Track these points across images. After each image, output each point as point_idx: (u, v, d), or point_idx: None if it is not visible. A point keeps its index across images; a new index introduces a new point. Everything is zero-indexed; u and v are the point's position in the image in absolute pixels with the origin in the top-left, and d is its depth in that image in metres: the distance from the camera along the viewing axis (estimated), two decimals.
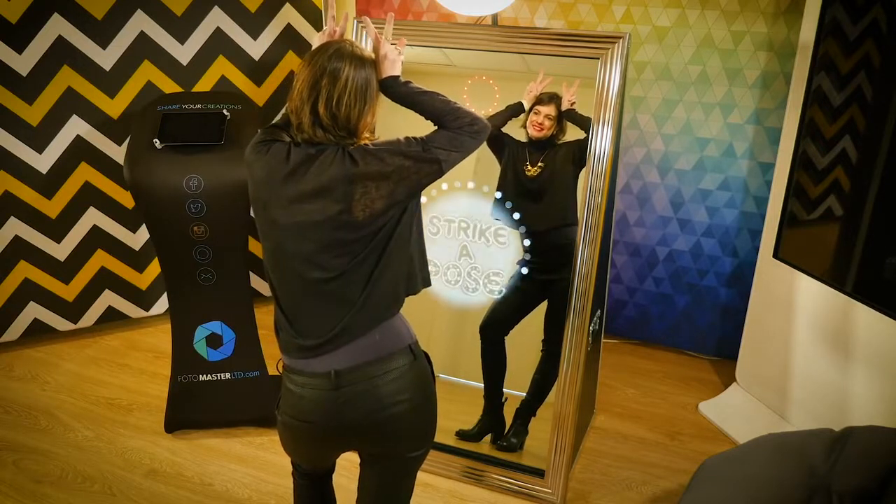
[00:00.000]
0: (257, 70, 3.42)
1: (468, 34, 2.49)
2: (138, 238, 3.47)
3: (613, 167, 2.40)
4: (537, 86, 2.42)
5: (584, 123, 2.37)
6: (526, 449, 2.56)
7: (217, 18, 3.26)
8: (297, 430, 1.66)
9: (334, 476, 1.95)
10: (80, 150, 3.23)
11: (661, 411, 3.02)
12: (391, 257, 1.58)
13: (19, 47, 3.00)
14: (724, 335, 3.29)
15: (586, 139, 2.35)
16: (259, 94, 3.45)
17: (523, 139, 2.46)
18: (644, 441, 2.84)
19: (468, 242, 2.56)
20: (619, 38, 2.29)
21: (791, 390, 2.77)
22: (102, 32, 3.11)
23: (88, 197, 3.31)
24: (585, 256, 2.36)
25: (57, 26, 3.02)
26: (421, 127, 1.65)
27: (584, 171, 2.36)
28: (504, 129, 2.47)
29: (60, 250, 3.32)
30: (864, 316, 2.41)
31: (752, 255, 3.07)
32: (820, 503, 1.62)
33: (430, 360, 1.72)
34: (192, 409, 2.79)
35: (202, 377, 2.76)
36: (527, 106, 2.44)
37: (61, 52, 3.06)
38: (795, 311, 2.70)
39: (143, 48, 3.19)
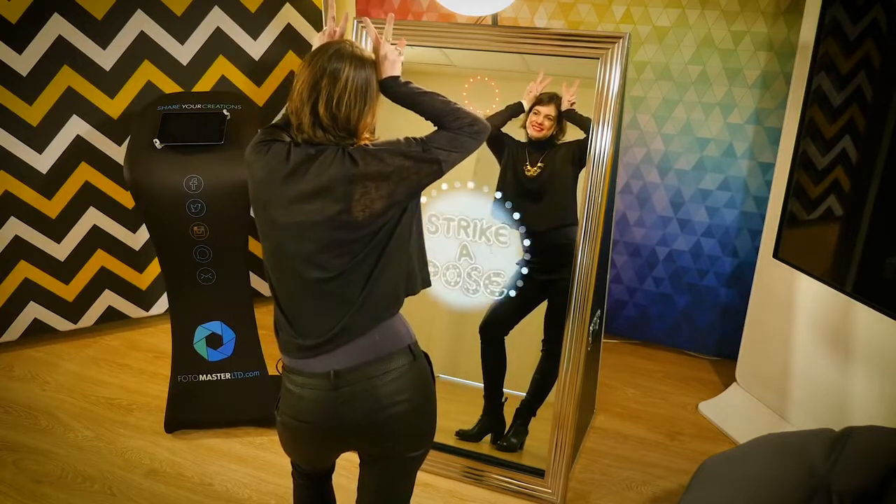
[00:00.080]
0: (257, 70, 3.42)
1: (468, 34, 2.49)
2: (138, 238, 3.47)
3: (613, 167, 2.40)
4: (537, 86, 2.42)
5: (583, 124, 2.37)
6: (526, 449, 2.56)
7: (217, 18, 3.26)
8: (296, 430, 1.66)
9: (334, 476, 1.95)
10: (80, 150, 3.23)
11: (661, 411, 3.02)
12: (391, 257, 1.58)
13: (19, 47, 3.00)
14: (724, 335, 3.29)
15: (586, 139, 2.35)
16: (259, 94, 3.45)
17: (523, 139, 2.46)
18: (644, 441, 2.84)
19: (468, 242, 2.56)
20: (619, 38, 2.29)
21: (791, 390, 2.77)
22: (102, 32, 3.11)
23: (88, 197, 3.31)
24: (585, 256, 2.36)
25: (57, 26, 3.02)
26: (421, 127, 1.65)
27: (584, 171, 2.36)
28: (504, 130, 2.47)
29: (60, 250, 3.32)
30: (864, 316, 2.41)
31: (752, 255, 3.07)
32: (820, 503, 1.62)
33: (430, 361, 1.72)
34: (192, 409, 2.79)
35: (202, 377, 2.76)
36: (526, 106, 2.44)
37: (61, 52, 3.06)
38: (795, 311, 2.70)
39: (143, 48, 3.19)
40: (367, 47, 1.65)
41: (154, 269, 3.53)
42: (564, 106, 2.41)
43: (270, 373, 2.81)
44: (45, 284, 3.33)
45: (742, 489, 1.71)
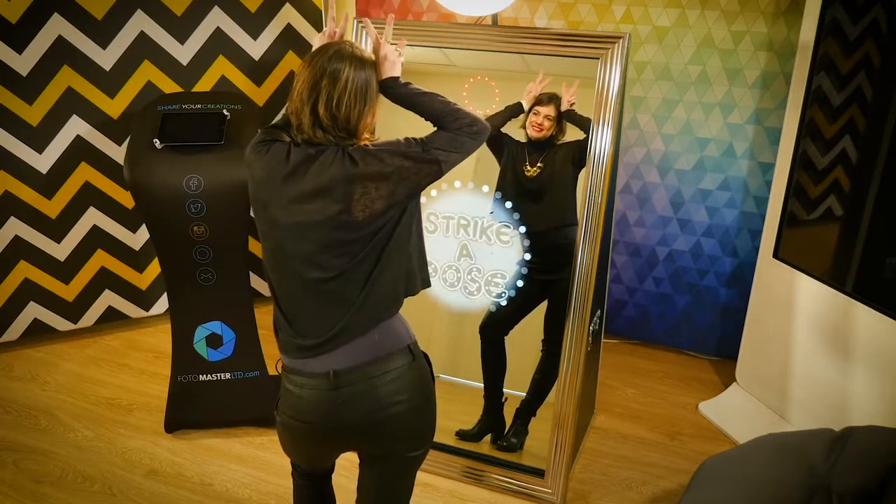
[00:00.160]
0: (257, 70, 3.42)
1: (468, 34, 2.49)
2: (138, 238, 3.47)
3: (613, 167, 2.40)
4: (536, 86, 2.42)
5: (583, 124, 2.37)
6: (526, 449, 2.56)
7: (217, 18, 3.26)
8: (295, 430, 1.66)
9: (334, 476, 1.95)
10: (80, 150, 3.23)
11: (661, 411, 3.02)
12: (390, 257, 1.58)
13: (19, 47, 3.00)
14: (724, 335, 3.29)
15: (586, 140, 2.35)
16: (259, 94, 3.45)
17: (523, 139, 2.46)
18: (644, 441, 2.84)
19: (468, 241, 2.56)
20: (619, 38, 2.29)
21: (791, 390, 2.77)
22: (102, 32, 3.11)
23: (88, 197, 3.31)
24: (585, 256, 2.36)
25: (57, 26, 3.02)
26: (421, 127, 1.65)
27: (584, 171, 2.36)
28: (503, 130, 2.47)
29: (60, 250, 3.32)
30: (864, 316, 2.41)
31: (752, 255, 3.07)
32: (820, 503, 1.62)
33: (430, 361, 1.72)
34: (192, 409, 2.79)
35: (202, 377, 2.76)
36: (526, 106, 2.44)
37: (61, 52, 3.06)
38: (795, 311, 2.70)
39: (143, 48, 3.19)
40: (367, 48, 1.65)
41: (154, 269, 3.53)
42: (564, 106, 2.41)
43: (270, 373, 2.81)
44: (45, 284, 3.33)
45: (742, 489, 1.71)
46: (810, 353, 2.66)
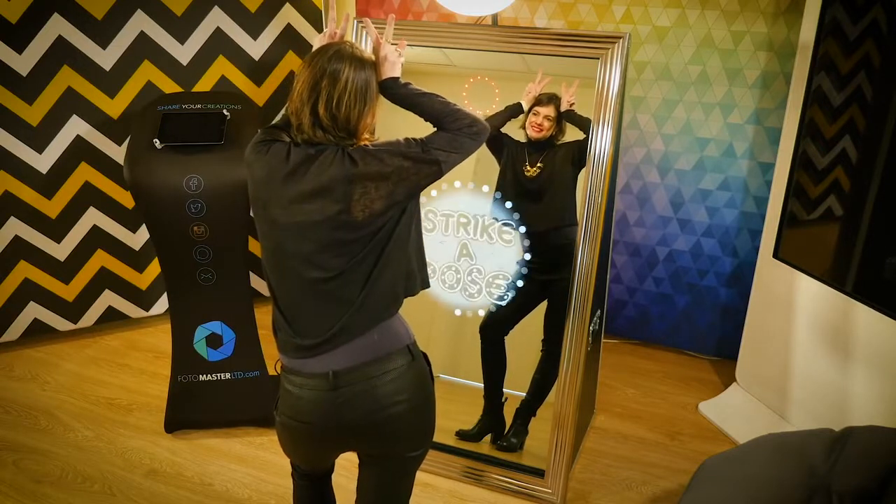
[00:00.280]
0: (257, 70, 3.42)
1: (468, 34, 2.49)
2: (138, 238, 3.47)
3: (613, 167, 2.39)
4: (536, 86, 2.42)
5: (583, 124, 2.37)
6: (526, 449, 2.56)
7: (217, 18, 3.26)
8: (295, 430, 1.66)
9: (334, 476, 1.95)
10: (80, 150, 3.23)
11: (661, 411, 3.02)
12: (390, 257, 1.58)
13: (19, 47, 3.00)
14: (724, 335, 3.29)
15: (586, 140, 2.35)
16: (259, 94, 3.45)
17: (522, 140, 2.46)
18: (644, 441, 2.84)
19: (469, 240, 2.56)
20: (619, 38, 2.29)
21: (791, 390, 2.77)
22: (102, 32, 3.11)
23: (88, 197, 3.31)
24: (585, 256, 2.36)
25: (57, 26, 3.02)
26: (421, 128, 1.65)
27: (584, 171, 2.36)
28: (503, 130, 2.47)
29: (60, 250, 3.32)
30: (864, 316, 2.41)
31: (752, 255, 3.07)
32: (820, 503, 1.62)
33: (429, 361, 1.72)
34: (192, 409, 2.79)
35: (202, 377, 2.76)
36: (526, 107, 2.44)
37: (61, 52, 3.06)
38: (795, 311, 2.70)
39: (143, 48, 3.19)
40: (367, 48, 1.66)
41: (154, 269, 3.53)
42: (564, 106, 2.40)
43: (270, 373, 2.81)
44: (45, 284, 3.34)
45: (742, 489, 1.71)
46: (810, 353, 2.66)
